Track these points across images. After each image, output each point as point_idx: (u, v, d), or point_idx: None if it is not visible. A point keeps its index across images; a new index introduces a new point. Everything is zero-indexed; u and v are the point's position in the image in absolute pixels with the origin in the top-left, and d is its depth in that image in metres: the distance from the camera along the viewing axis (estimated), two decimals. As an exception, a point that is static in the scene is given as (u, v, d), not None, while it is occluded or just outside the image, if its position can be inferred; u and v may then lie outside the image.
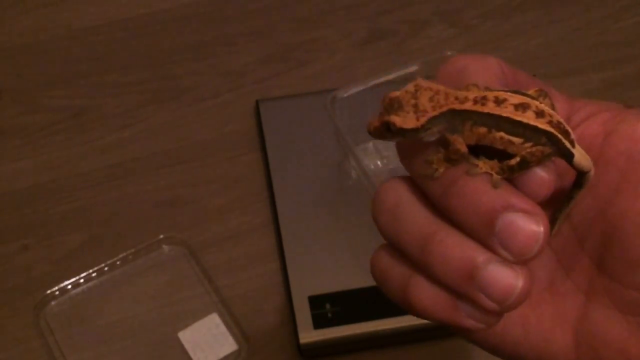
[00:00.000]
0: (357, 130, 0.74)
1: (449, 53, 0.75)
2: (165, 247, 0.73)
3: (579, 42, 0.89)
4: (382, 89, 0.73)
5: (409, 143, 0.33)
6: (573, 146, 0.31)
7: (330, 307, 0.67)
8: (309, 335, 0.66)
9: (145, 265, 0.72)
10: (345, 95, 0.73)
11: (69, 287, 0.70)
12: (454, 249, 0.31)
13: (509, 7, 0.92)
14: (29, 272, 0.72)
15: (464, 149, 0.31)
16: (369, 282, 0.68)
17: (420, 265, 0.32)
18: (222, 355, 0.67)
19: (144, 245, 0.72)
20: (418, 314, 0.32)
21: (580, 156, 0.31)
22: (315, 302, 0.67)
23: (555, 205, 0.33)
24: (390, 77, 0.73)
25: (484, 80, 0.32)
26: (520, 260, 0.30)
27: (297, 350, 0.67)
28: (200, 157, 0.80)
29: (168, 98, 0.84)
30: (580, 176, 0.32)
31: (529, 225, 0.30)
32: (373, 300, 0.67)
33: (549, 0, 0.92)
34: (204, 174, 0.78)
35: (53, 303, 0.70)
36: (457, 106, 0.31)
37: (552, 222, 0.33)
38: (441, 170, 0.31)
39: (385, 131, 0.32)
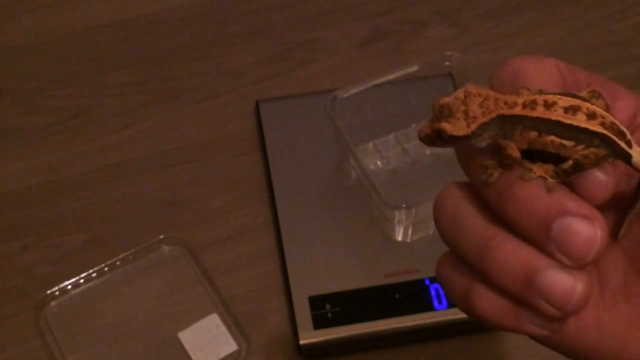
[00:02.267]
0: (357, 131, 0.74)
1: (448, 53, 0.76)
2: (165, 248, 0.73)
3: (579, 42, 0.89)
4: (382, 89, 0.73)
5: (465, 149, 0.33)
6: (630, 147, 0.30)
7: (331, 308, 0.67)
8: (309, 335, 0.66)
9: (145, 265, 0.72)
10: (345, 95, 0.73)
11: (69, 287, 0.70)
12: (511, 255, 0.30)
13: (509, 7, 0.92)
14: (29, 272, 0.72)
15: (516, 154, 0.31)
16: (369, 282, 0.68)
17: (479, 272, 0.32)
18: (222, 355, 0.67)
19: (144, 245, 0.72)
20: (481, 322, 0.32)
21: (639, 156, 0.31)
22: (316, 302, 0.67)
23: (623, 206, 0.33)
24: (390, 77, 0.73)
25: (539, 82, 0.32)
26: (578, 264, 0.30)
27: (297, 350, 0.67)
28: (200, 157, 0.80)
29: (168, 98, 0.84)
30: None
31: (585, 229, 0.29)
32: (373, 301, 0.67)
33: (549, 0, 0.92)
34: (204, 174, 0.78)
35: (53, 303, 0.70)
36: (507, 111, 0.30)
37: (620, 223, 0.33)
38: (495, 175, 0.31)
39: (436, 138, 0.32)
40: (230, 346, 0.67)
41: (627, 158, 0.31)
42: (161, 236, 0.73)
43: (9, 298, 0.70)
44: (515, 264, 0.30)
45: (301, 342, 0.66)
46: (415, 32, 0.90)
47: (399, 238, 0.71)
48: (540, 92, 0.31)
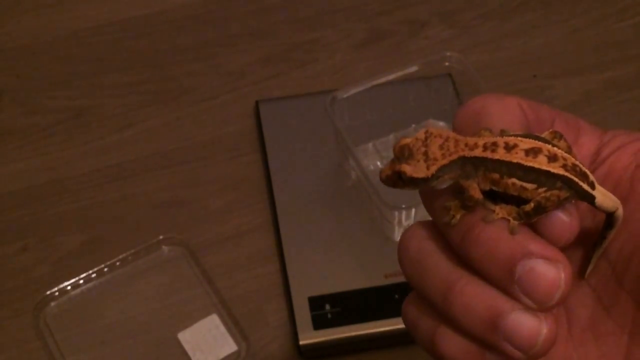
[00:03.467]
0: (357, 131, 0.74)
1: (448, 53, 0.76)
2: (165, 248, 0.73)
3: (579, 42, 0.89)
4: (382, 90, 0.73)
5: (429, 189, 0.32)
6: (593, 188, 0.30)
7: (330, 308, 0.67)
8: (308, 335, 0.66)
9: (145, 266, 0.72)
10: (345, 96, 0.73)
11: (69, 288, 0.70)
12: (476, 298, 0.30)
13: (509, 7, 0.92)
14: (28, 273, 0.72)
15: (478, 195, 0.30)
16: (369, 283, 0.68)
17: (444, 315, 0.31)
18: (221, 356, 0.67)
19: (143, 246, 0.72)
20: None
21: (603, 197, 0.30)
22: (315, 302, 0.67)
23: (590, 244, 0.33)
24: (390, 77, 0.73)
25: (502, 121, 0.32)
26: (543, 307, 0.29)
27: (297, 351, 0.67)
28: (200, 158, 0.80)
29: (168, 98, 0.84)
30: (609, 216, 0.31)
31: (549, 272, 0.29)
32: (373, 301, 0.67)
33: (549, 0, 0.92)
34: (203, 175, 0.78)
35: (52, 304, 0.70)
36: (467, 153, 0.30)
37: (587, 261, 0.33)
38: (458, 217, 0.31)
39: (397, 180, 0.31)
40: (230, 347, 0.67)
41: (590, 199, 0.30)
42: (161, 237, 0.73)
43: (9, 299, 0.70)
44: (479, 307, 0.30)
45: (301, 342, 0.66)
46: (415, 32, 0.90)
47: (399, 238, 0.70)
48: (503, 132, 0.31)
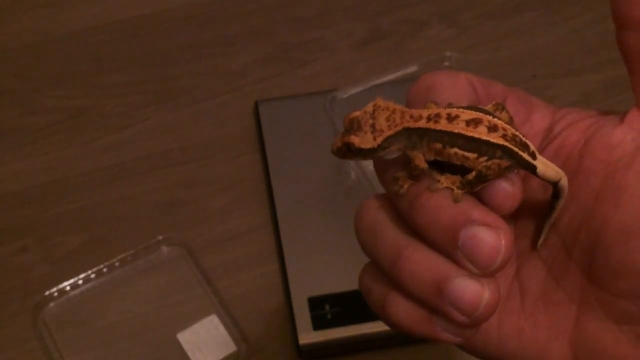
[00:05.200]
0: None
1: (448, 53, 0.76)
2: (164, 248, 0.73)
3: (578, 42, 0.88)
4: (381, 90, 0.73)
5: (380, 161, 0.33)
6: (534, 158, 0.31)
7: (330, 308, 0.67)
8: (308, 336, 0.66)
9: (144, 266, 0.72)
10: (344, 95, 0.73)
11: (68, 288, 0.70)
12: (422, 264, 0.31)
13: (509, 7, 0.92)
14: (27, 273, 0.72)
15: (423, 164, 0.31)
16: (368, 283, 0.68)
17: (394, 281, 0.32)
18: (221, 356, 0.67)
19: (142, 246, 0.72)
20: (397, 329, 0.33)
21: (544, 167, 0.31)
22: (315, 303, 0.67)
23: (542, 217, 0.34)
24: (390, 77, 0.73)
25: (452, 96, 0.33)
26: (485, 272, 0.31)
27: (296, 351, 0.67)
28: (200, 158, 0.80)
29: (167, 99, 0.84)
30: (554, 186, 0.32)
31: (490, 238, 0.30)
32: (372, 302, 0.67)
33: (549, 0, 0.92)
34: (203, 175, 0.78)
35: (52, 304, 0.70)
36: (412, 124, 0.31)
37: (538, 232, 0.34)
38: (406, 186, 0.32)
39: (346, 151, 0.33)
40: (229, 347, 0.67)
41: (531, 169, 0.31)
42: (160, 237, 0.73)
43: (8, 299, 0.70)
44: (426, 273, 0.31)
45: (300, 342, 0.66)
46: (415, 32, 0.90)
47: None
48: (450, 105, 0.32)
